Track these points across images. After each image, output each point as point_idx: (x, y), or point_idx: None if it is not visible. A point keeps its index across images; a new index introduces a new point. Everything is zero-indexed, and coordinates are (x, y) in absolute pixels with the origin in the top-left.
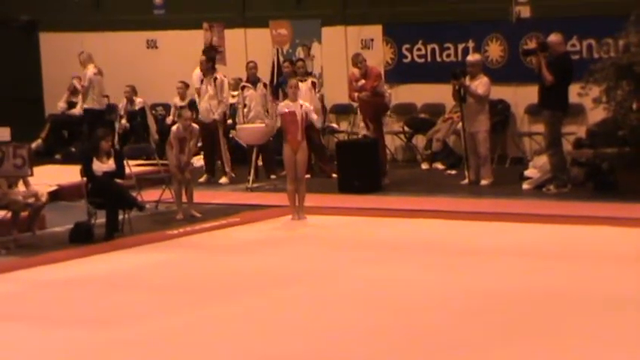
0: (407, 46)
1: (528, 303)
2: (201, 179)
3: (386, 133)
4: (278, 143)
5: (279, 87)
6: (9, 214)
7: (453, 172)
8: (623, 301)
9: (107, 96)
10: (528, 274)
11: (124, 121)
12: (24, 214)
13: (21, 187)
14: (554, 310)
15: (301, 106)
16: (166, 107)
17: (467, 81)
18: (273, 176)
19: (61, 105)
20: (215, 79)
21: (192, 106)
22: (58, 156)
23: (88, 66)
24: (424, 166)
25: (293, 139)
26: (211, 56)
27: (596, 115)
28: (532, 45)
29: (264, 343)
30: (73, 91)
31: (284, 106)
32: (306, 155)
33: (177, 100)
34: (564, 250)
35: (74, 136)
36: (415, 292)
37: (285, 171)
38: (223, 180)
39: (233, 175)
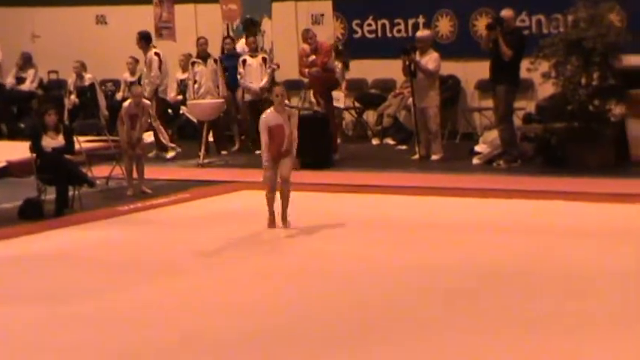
0: (357, 21)
1: (475, 277)
2: (151, 154)
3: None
4: (228, 119)
5: (224, 63)
6: None
7: (404, 147)
8: (571, 272)
9: (56, 71)
10: (477, 248)
11: (73, 96)
12: None
13: None
14: (503, 284)
15: (289, 117)
16: (116, 83)
17: (417, 56)
18: (224, 152)
19: (10, 80)
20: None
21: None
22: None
23: None
24: (375, 141)
25: (277, 150)
26: (145, 34)
27: (546, 90)
28: (484, 21)
29: (210, 318)
30: (22, 67)
31: (271, 117)
32: (292, 162)
33: (127, 76)
34: (514, 224)
35: (23, 112)
36: (362, 266)
37: (264, 181)
38: (170, 154)
39: (173, 146)
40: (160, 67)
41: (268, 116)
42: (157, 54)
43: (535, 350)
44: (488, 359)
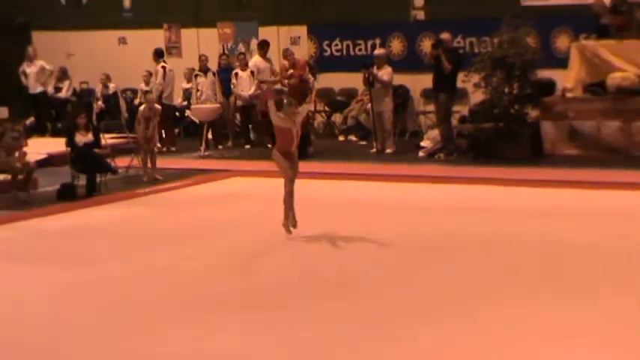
0: (327, 42)
1: (418, 248)
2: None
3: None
4: (224, 120)
5: (220, 76)
6: (9, 177)
7: (364, 142)
8: (496, 243)
9: (86, 82)
10: (421, 224)
11: (100, 102)
12: (20, 177)
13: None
14: (440, 252)
15: (295, 122)
16: (134, 92)
17: (374, 70)
18: (220, 146)
19: (50, 89)
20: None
21: None
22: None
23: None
24: (341, 138)
25: (286, 149)
26: (158, 50)
27: (477, 97)
28: (429, 42)
29: (212, 277)
30: (60, 79)
31: (280, 119)
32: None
33: (142, 86)
34: (451, 204)
35: (60, 115)
36: (331, 238)
37: (283, 173)
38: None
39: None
40: (163, 77)
41: (279, 117)
42: (162, 67)
43: (452, 302)
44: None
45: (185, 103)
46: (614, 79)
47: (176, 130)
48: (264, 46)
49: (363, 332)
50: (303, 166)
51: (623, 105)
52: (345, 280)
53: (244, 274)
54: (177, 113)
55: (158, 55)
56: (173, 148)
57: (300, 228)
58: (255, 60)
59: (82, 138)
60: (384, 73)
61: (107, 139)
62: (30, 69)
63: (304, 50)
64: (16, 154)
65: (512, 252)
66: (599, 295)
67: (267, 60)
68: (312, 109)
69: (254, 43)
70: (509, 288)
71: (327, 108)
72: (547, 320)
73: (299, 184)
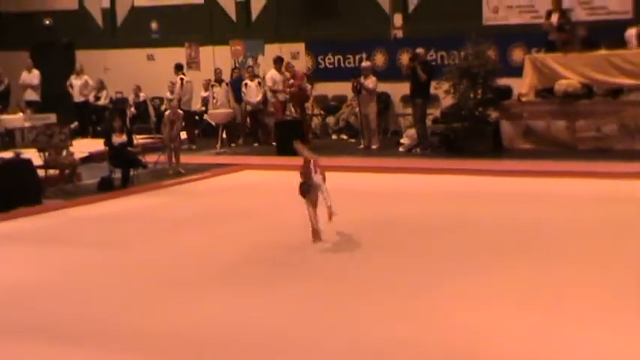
0: (321, 56)
1: (399, 226)
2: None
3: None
4: (236, 123)
5: (232, 85)
6: (57, 172)
7: (353, 140)
8: (465, 222)
9: (121, 92)
10: (401, 207)
11: (132, 108)
12: (67, 171)
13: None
14: (418, 229)
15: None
16: (161, 99)
17: (362, 80)
18: (233, 145)
19: (91, 99)
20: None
21: None
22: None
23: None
24: (334, 137)
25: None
26: (177, 65)
27: (447, 101)
28: (406, 56)
29: (229, 251)
30: (98, 89)
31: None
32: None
33: (167, 95)
34: (427, 191)
35: (99, 120)
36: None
37: (308, 202)
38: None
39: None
40: (181, 87)
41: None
42: (181, 78)
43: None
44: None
45: (203, 108)
46: (561, 85)
47: (196, 132)
48: (278, 62)
49: (361, 297)
50: (302, 161)
51: (568, 107)
52: (339, 253)
53: (267, 254)
54: (196, 117)
55: (177, 68)
56: (194, 147)
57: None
58: (271, 73)
59: (118, 139)
60: (370, 82)
61: (138, 139)
62: (76, 81)
63: (303, 63)
64: (64, 152)
65: (479, 229)
66: (553, 261)
67: (282, 73)
68: (311, 111)
69: (261, 59)
70: (482, 261)
71: (322, 112)
72: (508, 288)
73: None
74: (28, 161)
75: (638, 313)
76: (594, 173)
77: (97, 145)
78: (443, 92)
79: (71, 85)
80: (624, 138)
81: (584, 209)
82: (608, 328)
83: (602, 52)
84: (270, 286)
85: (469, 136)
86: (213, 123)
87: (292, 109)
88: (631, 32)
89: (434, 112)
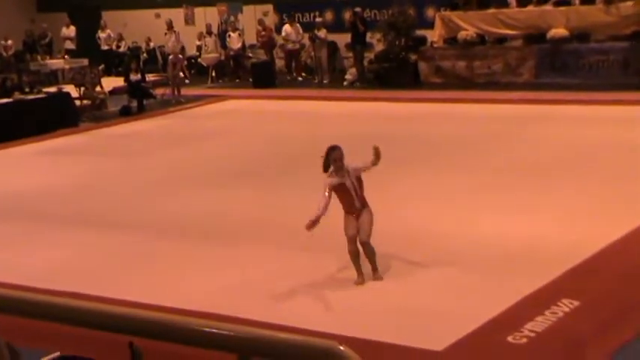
0: (286, 14)
1: (348, 140)
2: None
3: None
4: (222, 64)
5: (221, 35)
6: (89, 102)
7: (309, 77)
8: (398, 137)
9: (136, 42)
10: (347, 126)
11: (145, 54)
12: (97, 102)
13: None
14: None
15: (348, 172)
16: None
17: (316, 31)
18: (220, 81)
19: (113, 47)
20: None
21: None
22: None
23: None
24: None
25: (351, 209)
26: (168, 21)
27: (379, 47)
28: (349, 14)
29: (216, 161)
30: (120, 39)
31: (333, 181)
32: (371, 217)
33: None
34: (365, 113)
35: (120, 63)
36: (295, 137)
37: (348, 237)
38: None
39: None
40: (178, 38)
41: (331, 179)
42: (175, 32)
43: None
44: None
45: (197, 53)
46: (462, 35)
47: (192, 71)
48: (290, 18)
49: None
50: (272, 92)
51: (467, 51)
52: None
53: (245, 159)
54: (192, 60)
55: (168, 24)
56: (187, 81)
57: (274, 130)
58: (285, 27)
59: (134, 77)
60: (321, 33)
61: (149, 77)
62: (102, 34)
63: (272, 19)
64: (95, 87)
65: (406, 143)
66: (466, 170)
67: (294, 27)
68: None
69: (240, 16)
70: (409, 165)
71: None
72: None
73: (271, 103)
74: (68, 94)
75: (512, 194)
76: (486, 99)
77: (118, 82)
78: (376, 41)
79: (98, 37)
80: (507, 74)
81: (478, 126)
82: (497, 210)
83: (492, 10)
84: (242, 180)
85: (395, 73)
86: (204, 64)
87: (262, 54)
88: None
89: (369, 56)
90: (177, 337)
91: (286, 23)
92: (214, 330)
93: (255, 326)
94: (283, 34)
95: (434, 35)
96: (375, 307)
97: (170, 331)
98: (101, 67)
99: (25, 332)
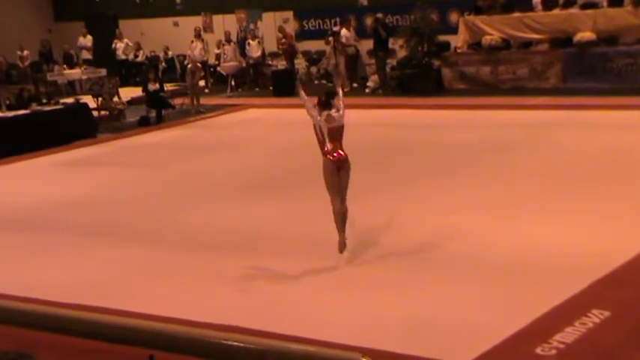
0: (306, 21)
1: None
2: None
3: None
4: (242, 73)
5: (240, 43)
6: (107, 113)
7: (331, 84)
8: (421, 144)
9: (154, 51)
10: (370, 133)
11: (163, 64)
12: (115, 112)
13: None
14: (386, 150)
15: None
16: (184, 56)
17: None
18: (239, 90)
19: (131, 57)
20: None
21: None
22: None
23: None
24: (316, 82)
25: (336, 152)
26: (196, 29)
27: (401, 54)
28: (370, 20)
29: (235, 173)
30: (137, 49)
31: (329, 119)
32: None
33: (189, 52)
34: (387, 122)
35: (138, 73)
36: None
37: (330, 191)
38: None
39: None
40: (205, 47)
41: (327, 118)
42: (203, 40)
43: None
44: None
45: (217, 62)
46: (486, 40)
47: (211, 80)
48: (345, 23)
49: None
50: (294, 101)
51: (492, 56)
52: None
53: (267, 169)
54: (211, 69)
55: (196, 32)
56: (207, 90)
57: (295, 137)
58: (343, 31)
59: (152, 86)
60: (344, 37)
61: (168, 86)
62: (119, 44)
63: (292, 26)
64: (113, 98)
65: (432, 150)
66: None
67: (350, 31)
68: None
69: (259, 24)
70: (435, 173)
71: (307, 63)
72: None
73: (291, 112)
74: (85, 105)
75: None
76: (512, 105)
77: (136, 92)
78: (398, 47)
79: (115, 47)
80: (533, 79)
81: (504, 133)
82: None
83: (517, 14)
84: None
85: (418, 79)
86: (224, 73)
87: (284, 61)
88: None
89: (391, 62)
90: (198, 351)
91: (342, 27)
92: (236, 343)
93: (280, 339)
94: (343, 39)
95: (458, 40)
96: (399, 319)
97: (191, 345)
98: (119, 77)
99: (49, 346)
